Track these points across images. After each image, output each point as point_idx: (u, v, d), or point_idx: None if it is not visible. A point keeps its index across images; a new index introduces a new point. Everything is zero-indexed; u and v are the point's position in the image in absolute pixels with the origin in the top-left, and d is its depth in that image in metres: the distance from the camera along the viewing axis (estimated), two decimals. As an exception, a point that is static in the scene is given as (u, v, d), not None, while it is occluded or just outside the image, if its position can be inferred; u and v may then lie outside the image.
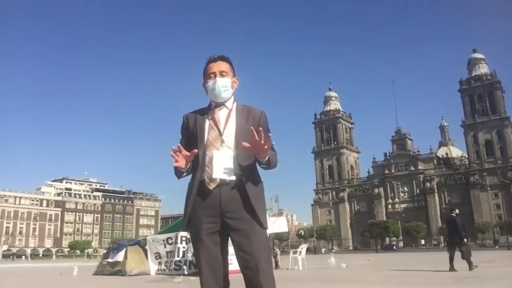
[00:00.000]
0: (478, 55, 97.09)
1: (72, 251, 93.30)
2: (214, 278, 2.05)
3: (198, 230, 2.09)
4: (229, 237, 2.10)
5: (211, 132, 2.18)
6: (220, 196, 2.08)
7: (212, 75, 2.23)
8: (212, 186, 2.09)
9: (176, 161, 2.06)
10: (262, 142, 1.98)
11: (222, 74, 2.23)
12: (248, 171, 2.13)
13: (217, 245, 2.08)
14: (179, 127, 2.32)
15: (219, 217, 2.07)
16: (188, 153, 2.06)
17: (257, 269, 1.99)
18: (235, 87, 2.31)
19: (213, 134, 2.17)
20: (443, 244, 66.35)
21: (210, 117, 2.23)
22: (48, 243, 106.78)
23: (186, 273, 10.85)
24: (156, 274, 12.04)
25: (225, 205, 2.07)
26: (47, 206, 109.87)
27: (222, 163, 2.08)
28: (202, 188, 2.10)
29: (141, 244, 13.15)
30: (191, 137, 2.22)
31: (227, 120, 2.20)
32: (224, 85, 2.21)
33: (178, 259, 11.68)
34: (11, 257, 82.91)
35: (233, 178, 2.07)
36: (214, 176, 2.07)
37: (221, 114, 2.23)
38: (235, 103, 2.29)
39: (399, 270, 12.51)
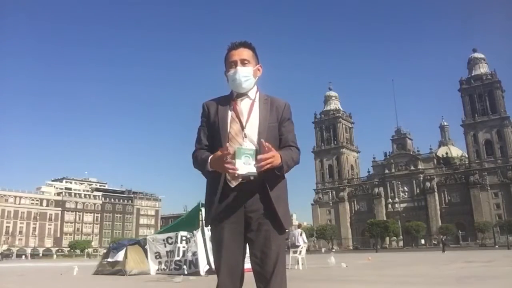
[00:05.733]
0: (478, 55, 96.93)
1: (72, 250, 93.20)
2: (231, 279, 2.00)
3: (220, 231, 2.02)
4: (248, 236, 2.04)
5: (233, 125, 2.06)
6: (243, 195, 2.00)
7: (233, 64, 2.11)
8: (233, 184, 2.00)
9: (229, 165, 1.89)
10: (267, 158, 1.87)
11: (243, 62, 2.10)
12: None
13: (238, 247, 2.02)
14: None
15: (243, 217, 2.00)
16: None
17: (273, 272, 1.95)
18: (258, 75, 2.18)
19: (235, 127, 2.06)
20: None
21: (232, 108, 2.10)
22: (48, 242, 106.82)
23: (186, 272, 10.84)
24: (156, 273, 12.03)
25: (249, 205, 2.00)
26: (47, 205, 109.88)
27: (244, 159, 1.98)
28: (224, 185, 2.01)
29: (141, 243, 13.14)
30: (213, 129, 2.11)
31: (250, 112, 2.08)
32: (245, 75, 2.09)
33: (178, 258, 11.68)
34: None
35: (256, 174, 1.96)
36: (236, 172, 1.97)
37: (243, 105, 2.11)
38: (258, 92, 2.17)
39: (399, 270, 12.51)
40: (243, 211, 2.00)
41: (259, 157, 1.89)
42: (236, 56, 2.11)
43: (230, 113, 2.09)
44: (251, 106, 2.10)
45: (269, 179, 1.99)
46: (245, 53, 2.13)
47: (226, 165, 1.89)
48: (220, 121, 2.08)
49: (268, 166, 1.89)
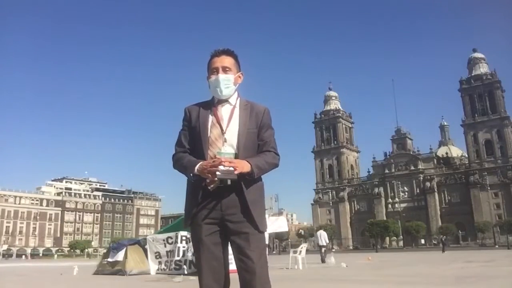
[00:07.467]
0: (478, 55, 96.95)
1: (72, 250, 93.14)
2: (214, 278, 2.04)
3: (199, 231, 2.07)
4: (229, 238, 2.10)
5: (214, 129, 2.11)
6: (221, 198, 2.05)
7: (215, 71, 2.16)
8: (211, 187, 2.04)
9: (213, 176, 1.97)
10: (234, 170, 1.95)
11: (225, 70, 2.16)
12: None
13: (218, 245, 2.07)
14: (178, 126, 2.27)
15: (220, 219, 2.06)
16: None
17: (255, 273, 1.99)
18: (239, 82, 2.23)
19: (215, 132, 2.11)
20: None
21: (213, 113, 2.15)
22: (48, 242, 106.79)
23: (186, 272, 10.85)
24: (156, 273, 12.04)
25: (226, 208, 2.05)
26: (47, 205, 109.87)
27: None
28: (203, 188, 2.06)
29: (141, 243, 13.15)
30: (194, 133, 2.16)
31: (230, 118, 2.14)
32: (226, 82, 2.14)
33: (178, 258, 11.68)
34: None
35: (234, 178, 2.02)
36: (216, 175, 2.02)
37: (224, 111, 2.17)
38: (239, 98, 2.23)
39: (399, 270, 12.51)
40: (220, 214, 2.05)
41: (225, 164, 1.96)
42: (218, 63, 2.17)
43: (211, 118, 2.14)
44: (232, 112, 2.16)
45: (245, 183, 2.05)
46: (226, 60, 2.18)
47: (209, 172, 1.96)
48: (201, 125, 2.14)
49: (235, 168, 1.96)
